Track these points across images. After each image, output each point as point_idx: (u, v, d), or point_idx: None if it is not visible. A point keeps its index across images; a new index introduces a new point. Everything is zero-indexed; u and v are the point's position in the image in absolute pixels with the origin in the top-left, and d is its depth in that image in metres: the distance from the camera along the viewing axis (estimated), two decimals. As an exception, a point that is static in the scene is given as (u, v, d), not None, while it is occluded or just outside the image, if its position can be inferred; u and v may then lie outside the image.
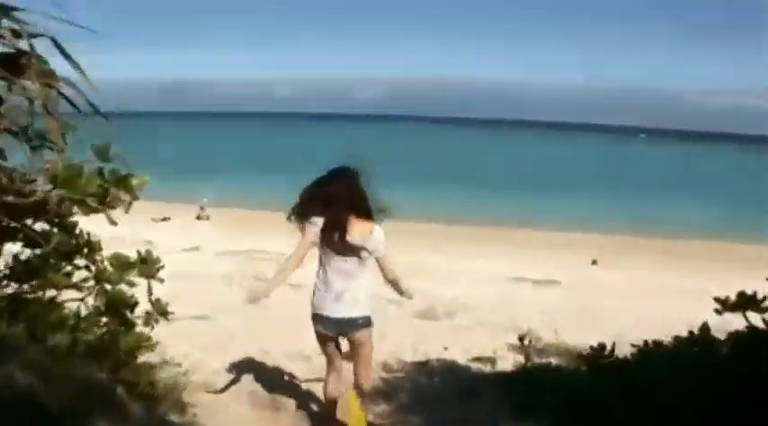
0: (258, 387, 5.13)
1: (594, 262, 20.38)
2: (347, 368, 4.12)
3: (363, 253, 3.64)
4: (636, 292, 14.52)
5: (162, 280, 3.52)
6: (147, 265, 3.40)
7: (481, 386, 4.90)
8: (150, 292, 3.46)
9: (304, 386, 5.27)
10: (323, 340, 3.84)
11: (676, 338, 4.04)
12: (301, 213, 3.69)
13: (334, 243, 3.60)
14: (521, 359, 6.72)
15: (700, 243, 27.29)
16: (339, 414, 3.98)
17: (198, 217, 30.06)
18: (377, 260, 3.71)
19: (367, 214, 3.69)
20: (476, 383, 5.08)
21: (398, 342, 7.55)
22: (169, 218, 29.11)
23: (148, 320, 3.60)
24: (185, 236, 20.99)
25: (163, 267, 3.57)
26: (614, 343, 4.11)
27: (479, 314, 10.51)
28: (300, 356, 6.57)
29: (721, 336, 3.77)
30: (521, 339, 5.14)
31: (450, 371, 5.96)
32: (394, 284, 3.87)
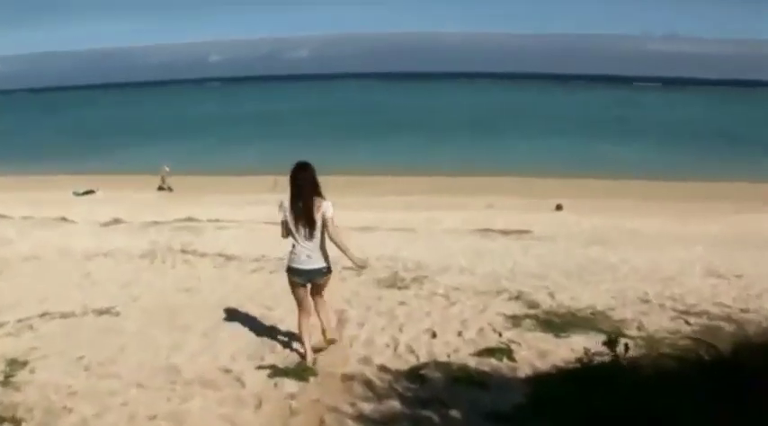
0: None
1: (559, 207, 19.06)
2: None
3: (321, 221, 4.80)
4: (612, 237, 13.18)
5: None
6: None
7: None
8: None
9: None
10: (296, 286, 5.01)
11: None
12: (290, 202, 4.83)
13: (302, 216, 4.78)
14: (537, 341, 5.00)
15: (647, 183, 26.75)
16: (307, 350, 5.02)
17: (159, 188, 27.37)
18: (324, 220, 4.77)
19: (320, 194, 4.82)
20: (524, 417, 3.24)
21: (369, 330, 5.71)
22: (94, 191, 26.46)
23: None
24: (109, 209, 18.56)
25: None
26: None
27: (453, 277, 8.81)
28: (221, 378, 4.66)
29: None
30: (609, 342, 3.28)
31: (461, 386, 4.12)
32: (340, 247, 4.84)
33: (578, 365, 3.51)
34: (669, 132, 47.81)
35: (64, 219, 15.95)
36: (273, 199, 5.29)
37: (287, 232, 4.89)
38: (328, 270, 5.02)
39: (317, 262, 4.91)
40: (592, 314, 6.74)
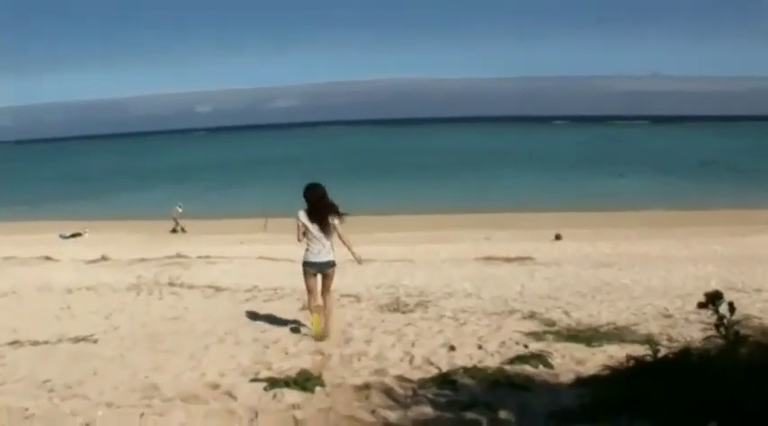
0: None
1: (558, 237, 18.63)
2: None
3: (331, 227, 6.16)
4: (618, 260, 12.72)
5: None
6: None
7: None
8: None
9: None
10: (308, 275, 6.29)
11: None
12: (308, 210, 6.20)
13: (318, 222, 6.10)
14: (570, 350, 4.44)
15: (642, 213, 26.58)
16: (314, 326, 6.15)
17: (173, 230, 26.65)
18: (336, 228, 6.19)
19: (330, 205, 6.20)
20: (596, 416, 2.51)
21: (378, 347, 5.13)
22: (81, 234, 25.89)
23: None
24: (96, 249, 17.89)
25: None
26: None
27: (459, 301, 8.33)
28: (208, 393, 3.88)
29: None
30: (709, 300, 2.58)
31: (504, 389, 3.42)
32: (347, 244, 6.31)
33: (644, 360, 2.88)
34: (657, 165, 47.95)
35: (48, 258, 15.31)
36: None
37: (302, 234, 6.12)
38: (334, 263, 6.30)
39: (327, 256, 6.19)
40: (615, 329, 6.24)
